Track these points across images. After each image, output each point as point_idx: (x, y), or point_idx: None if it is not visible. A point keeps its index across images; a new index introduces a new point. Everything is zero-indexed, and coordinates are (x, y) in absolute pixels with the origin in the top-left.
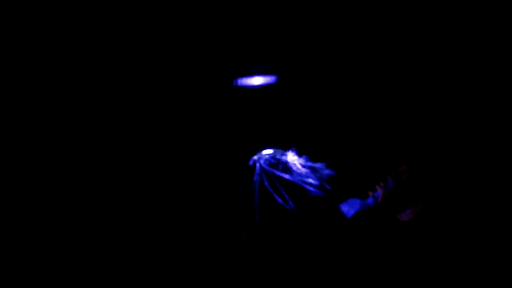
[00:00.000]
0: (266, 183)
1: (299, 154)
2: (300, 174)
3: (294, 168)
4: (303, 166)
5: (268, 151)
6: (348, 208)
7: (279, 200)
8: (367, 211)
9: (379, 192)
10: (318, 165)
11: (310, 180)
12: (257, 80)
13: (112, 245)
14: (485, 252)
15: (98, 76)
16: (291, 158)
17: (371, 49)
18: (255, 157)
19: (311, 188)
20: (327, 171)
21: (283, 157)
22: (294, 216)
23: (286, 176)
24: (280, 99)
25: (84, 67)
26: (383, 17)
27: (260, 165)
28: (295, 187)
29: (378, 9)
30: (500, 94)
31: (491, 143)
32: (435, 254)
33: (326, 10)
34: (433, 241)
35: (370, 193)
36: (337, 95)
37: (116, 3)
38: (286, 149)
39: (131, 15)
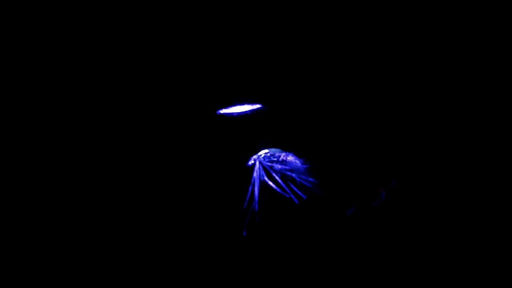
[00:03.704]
0: (265, 182)
1: (298, 154)
2: (298, 174)
3: (293, 168)
4: (302, 166)
5: (266, 151)
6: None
7: (279, 198)
8: (371, 211)
9: (383, 194)
10: (316, 164)
11: (309, 179)
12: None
13: (111, 245)
14: (484, 252)
15: (92, 82)
16: (290, 158)
17: (365, 57)
18: (254, 157)
19: (310, 187)
20: (324, 170)
21: (282, 157)
22: (294, 215)
23: (286, 176)
24: (278, 101)
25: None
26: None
27: (259, 165)
28: (294, 187)
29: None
30: (498, 99)
31: (489, 146)
32: (434, 253)
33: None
34: (432, 241)
35: (376, 194)
36: (337, 97)
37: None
38: (284, 149)
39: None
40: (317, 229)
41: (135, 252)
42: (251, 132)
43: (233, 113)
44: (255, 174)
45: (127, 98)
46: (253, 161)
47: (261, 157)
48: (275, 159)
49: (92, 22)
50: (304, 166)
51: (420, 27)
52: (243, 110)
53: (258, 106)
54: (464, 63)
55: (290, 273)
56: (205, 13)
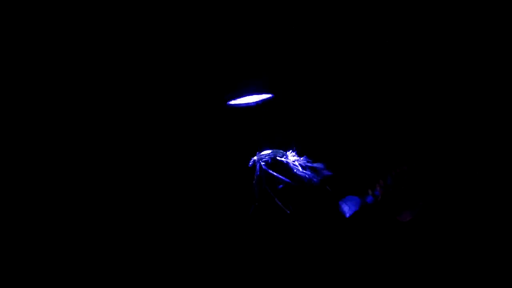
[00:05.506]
0: (265, 183)
1: (299, 154)
2: (299, 174)
3: (294, 168)
4: (303, 166)
5: (267, 152)
6: (348, 207)
7: (279, 201)
8: (366, 210)
9: (378, 190)
10: (317, 165)
11: (310, 180)
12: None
13: (112, 245)
14: (485, 252)
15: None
16: (291, 158)
17: (369, 50)
18: (255, 158)
19: (311, 187)
20: (326, 171)
21: (283, 158)
22: (293, 216)
23: (286, 176)
24: (279, 100)
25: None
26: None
27: (260, 165)
28: (294, 187)
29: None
30: (499, 94)
31: (490, 144)
32: (435, 254)
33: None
34: (433, 241)
35: (370, 191)
36: (336, 94)
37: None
38: (285, 149)
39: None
40: (317, 228)
41: (135, 248)
42: (255, 128)
43: (241, 104)
44: (255, 174)
45: (134, 89)
46: (254, 161)
47: (262, 156)
48: (275, 159)
49: (98, 21)
50: (304, 165)
51: (425, 27)
52: (252, 101)
53: (267, 96)
54: (463, 63)
55: (289, 272)
56: (215, 5)
